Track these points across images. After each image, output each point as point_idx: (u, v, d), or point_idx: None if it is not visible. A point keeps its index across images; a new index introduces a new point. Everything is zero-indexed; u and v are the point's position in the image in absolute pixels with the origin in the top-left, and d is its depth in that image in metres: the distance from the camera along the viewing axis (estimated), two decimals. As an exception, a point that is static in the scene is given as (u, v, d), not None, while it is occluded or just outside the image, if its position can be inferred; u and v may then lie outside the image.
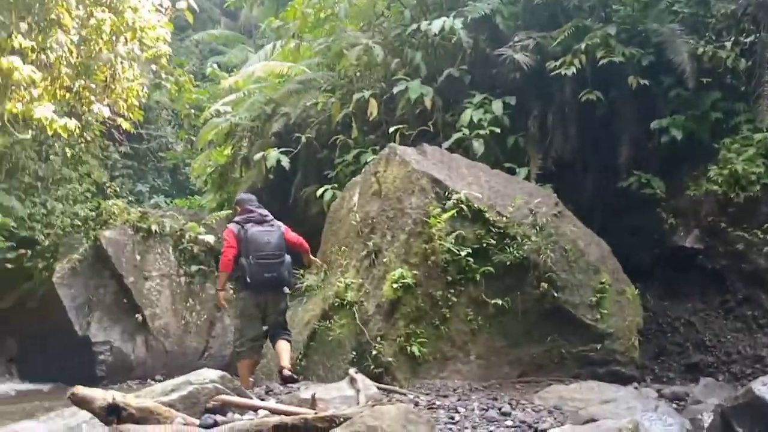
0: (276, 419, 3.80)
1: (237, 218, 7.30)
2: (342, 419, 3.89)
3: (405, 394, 6.14)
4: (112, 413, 3.66)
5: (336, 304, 7.43)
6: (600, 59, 8.71)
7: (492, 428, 5.22)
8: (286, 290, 7.23)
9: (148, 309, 10.10)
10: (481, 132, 9.10)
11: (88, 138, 12.69)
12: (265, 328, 7.11)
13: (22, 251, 12.42)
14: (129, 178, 21.07)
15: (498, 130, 9.16)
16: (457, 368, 7.08)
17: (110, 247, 10.23)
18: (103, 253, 10.24)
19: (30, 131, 9.94)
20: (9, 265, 11.68)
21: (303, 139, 10.82)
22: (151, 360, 9.94)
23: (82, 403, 3.73)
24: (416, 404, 5.68)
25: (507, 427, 5.28)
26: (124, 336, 9.98)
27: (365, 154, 9.94)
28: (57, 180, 15.86)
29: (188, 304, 10.45)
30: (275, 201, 10.56)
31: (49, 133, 9.14)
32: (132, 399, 3.78)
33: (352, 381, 5.73)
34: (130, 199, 20.26)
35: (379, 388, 5.95)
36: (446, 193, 7.34)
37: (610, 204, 9.15)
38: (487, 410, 5.69)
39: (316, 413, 4.48)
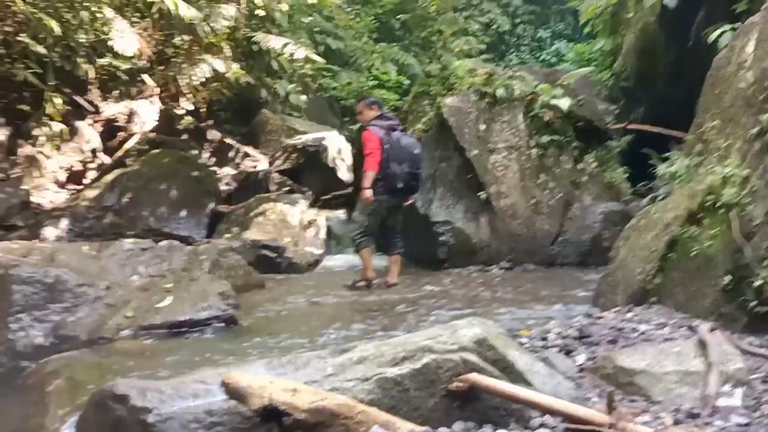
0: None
1: (377, 123, 7.37)
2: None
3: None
4: (271, 418, 2.52)
5: (708, 203, 5.26)
6: None
7: None
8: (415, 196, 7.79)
9: (493, 186, 8.84)
10: None
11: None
12: None
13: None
14: (531, 24, 20.07)
15: None
16: None
17: (452, 116, 9.13)
18: (445, 123, 9.20)
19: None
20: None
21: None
22: (496, 243, 8.72)
23: (236, 397, 2.65)
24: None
25: None
26: (466, 215, 8.88)
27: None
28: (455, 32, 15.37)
29: (539, 181, 8.95)
30: (672, 46, 9.37)
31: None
32: (304, 396, 2.57)
33: (702, 344, 3.77)
34: (531, 45, 19.40)
35: (747, 353, 3.85)
36: None
37: None
38: None
39: (610, 426, 2.81)
